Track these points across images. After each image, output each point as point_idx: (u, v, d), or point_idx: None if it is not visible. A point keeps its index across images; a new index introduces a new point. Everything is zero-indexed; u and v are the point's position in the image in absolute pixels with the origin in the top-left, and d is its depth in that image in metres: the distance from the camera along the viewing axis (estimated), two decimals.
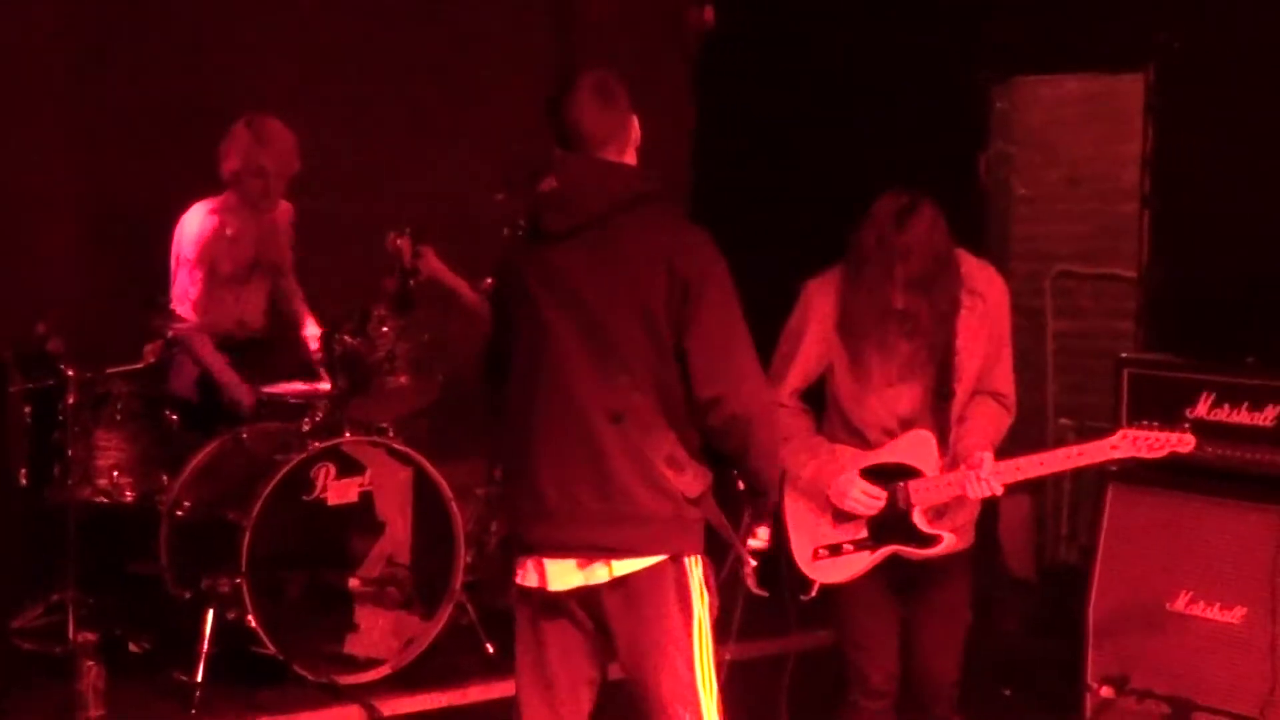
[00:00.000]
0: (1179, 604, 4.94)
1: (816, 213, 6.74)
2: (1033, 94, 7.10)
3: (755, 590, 4.04)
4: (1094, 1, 6.18)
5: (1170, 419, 4.62)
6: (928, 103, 6.61)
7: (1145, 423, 4.30)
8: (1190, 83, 5.90)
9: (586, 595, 3.70)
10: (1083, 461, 4.35)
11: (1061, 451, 4.39)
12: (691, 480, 3.65)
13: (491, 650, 5.54)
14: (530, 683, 3.82)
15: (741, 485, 3.79)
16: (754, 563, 3.83)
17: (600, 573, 3.66)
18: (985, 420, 4.42)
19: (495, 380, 3.85)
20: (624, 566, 3.65)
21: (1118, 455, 4.30)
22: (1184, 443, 4.25)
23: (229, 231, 5.95)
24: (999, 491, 4.30)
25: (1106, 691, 4.99)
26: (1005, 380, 4.48)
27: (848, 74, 6.92)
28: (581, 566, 3.67)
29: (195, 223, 5.94)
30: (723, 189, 7.30)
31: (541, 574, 3.71)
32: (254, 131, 5.91)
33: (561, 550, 3.68)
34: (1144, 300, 6.12)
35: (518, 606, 3.84)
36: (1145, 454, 4.27)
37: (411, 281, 5.61)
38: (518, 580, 3.78)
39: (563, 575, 3.68)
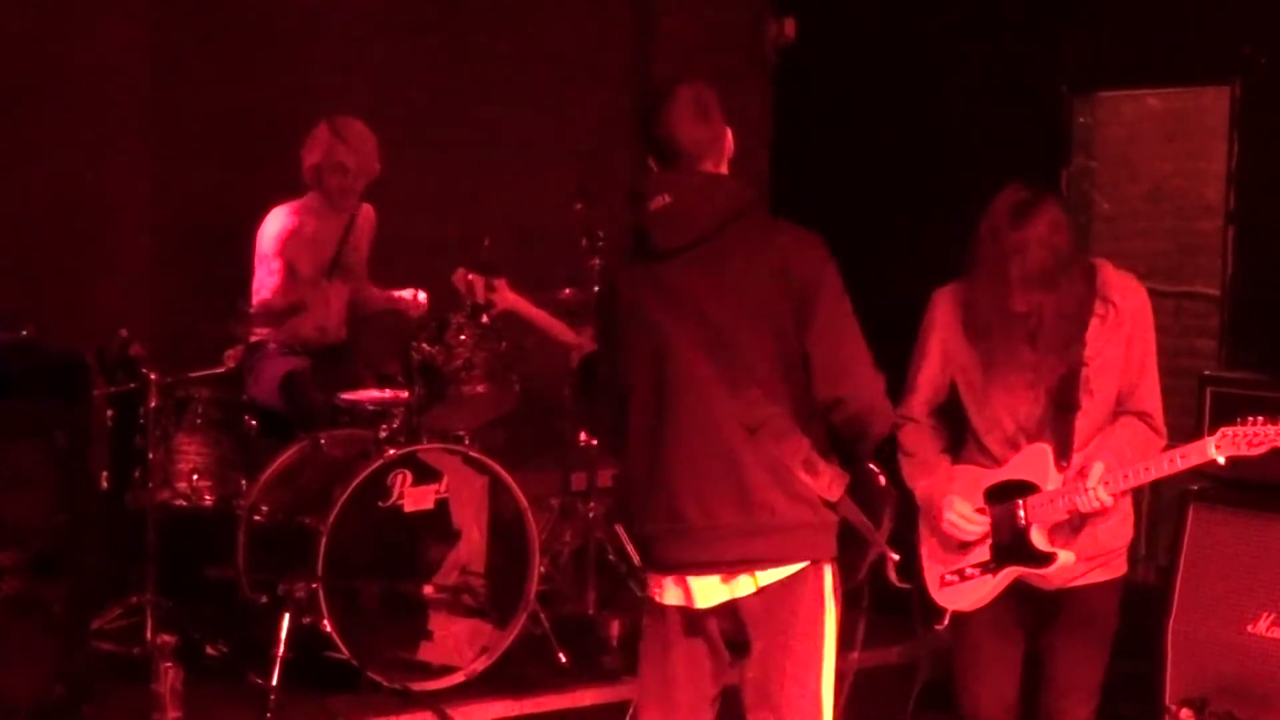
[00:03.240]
0: (1260, 627, 4.87)
1: (897, 225, 6.75)
2: (1115, 109, 7.04)
3: (898, 584, 3.96)
4: (1179, 15, 6.13)
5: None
6: (1009, 117, 6.58)
7: (1244, 419, 4.06)
8: (1277, 96, 5.83)
9: (727, 607, 3.69)
10: (1186, 464, 4.10)
11: (1164, 456, 4.12)
12: (829, 483, 3.64)
13: (564, 660, 5.55)
14: (653, 699, 3.81)
15: (883, 481, 3.77)
16: (896, 557, 3.79)
17: (745, 584, 3.65)
18: (1122, 437, 4.16)
19: (595, 397, 3.86)
20: (767, 576, 3.64)
21: (1220, 454, 4.04)
22: None
23: (309, 231, 6.02)
24: (1108, 502, 4.08)
25: (1185, 714, 4.93)
26: (1149, 400, 4.20)
27: (929, 87, 6.90)
28: (725, 580, 3.66)
29: (276, 222, 6.01)
30: (802, 201, 7.28)
31: (686, 592, 3.69)
32: (335, 129, 5.98)
33: (706, 568, 3.66)
34: (1227, 317, 6.05)
35: (647, 621, 3.82)
36: (1246, 450, 4.02)
37: (486, 318, 5.50)
38: (655, 598, 3.75)
39: (708, 592, 3.67)
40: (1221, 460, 4.06)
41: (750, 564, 3.64)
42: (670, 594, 3.73)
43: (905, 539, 4.17)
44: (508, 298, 5.67)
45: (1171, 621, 5.05)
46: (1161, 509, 6.65)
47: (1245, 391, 5.04)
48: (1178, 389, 6.28)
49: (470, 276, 5.57)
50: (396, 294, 6.33)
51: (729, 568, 3.65)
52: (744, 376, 3.61)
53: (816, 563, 3.68)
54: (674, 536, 3.68)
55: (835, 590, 3.73)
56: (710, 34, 7.53)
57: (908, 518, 4.39)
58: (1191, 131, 6.94)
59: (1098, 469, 4.07)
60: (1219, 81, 6.11)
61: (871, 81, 7.18)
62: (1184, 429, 5.35)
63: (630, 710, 3.90)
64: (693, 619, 3.73)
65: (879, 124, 7.09)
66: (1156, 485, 6.76)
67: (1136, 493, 6.88)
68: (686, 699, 3.78)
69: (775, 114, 7.68)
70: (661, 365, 3.66)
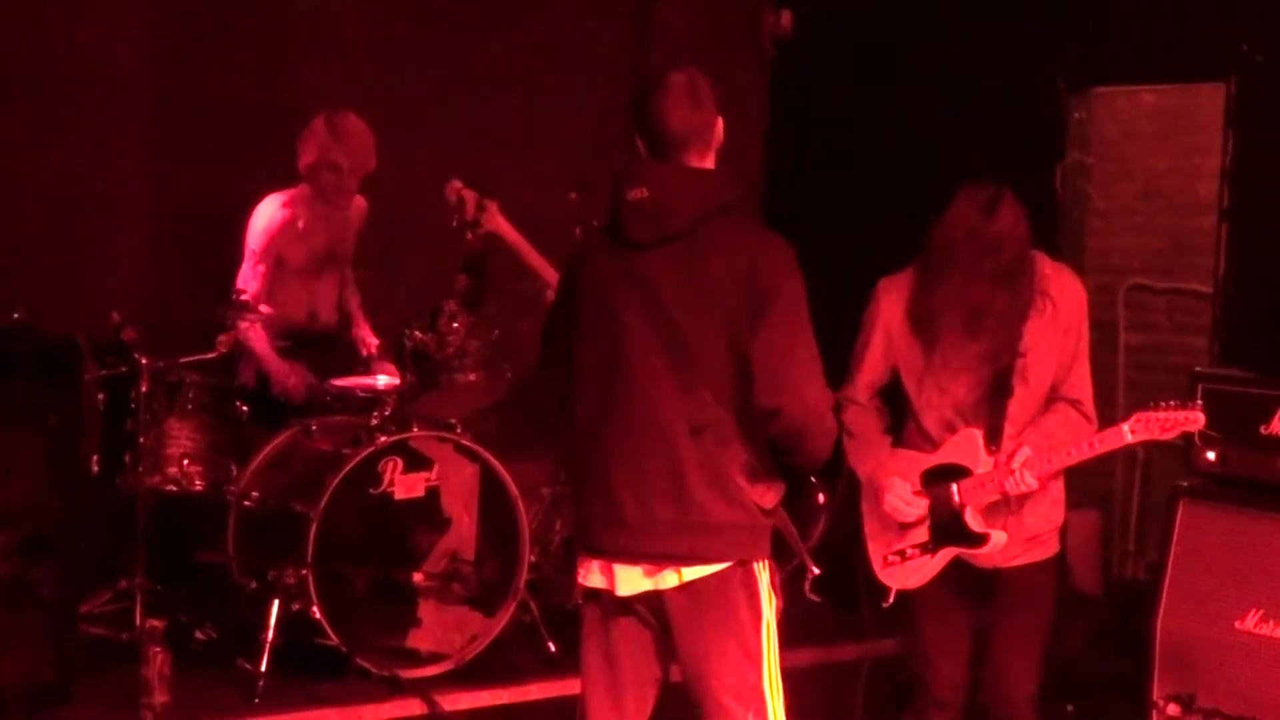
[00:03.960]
0: (1248, 623, 4.88)
1: (889, 218, 6.73)
2: (1110, 105, 7.05)
3: (810, 596, 4.01)
4: (1175, 13, 6.13)
5: (1244, 436, 4.68)
6: (1004, 112, 6.57)
7: (1157, 404, 4.22)
8: (1272, 94, 5.83)
9: (652, 598, 3.70)
10: (1103, 448, 4.27)
11: (1084, 440, 4.29)
12: (765, 491, 3.66)
13: (553, 649, 5.55)
14: (596, 680, 3.82)
15: (821, 498, 3.78)
16: (816, 571, 3.81)
17: (669, 578, 3.66)
18: (1054, 423, 4.34)
19: (547, 368, 3.86)
20: (693, 573, 3.65)
21: (1135, 439, 4.22)
22: (1192, 420, 4.18)
23: (300, 224, 6.00)
24: (1032, 485, 4.25)
25: (1173, 709, 4.94)
26: (1080, 388, 4.39)
27: (924, 81, 6.89)
28: (649, 574, 3.67)
29: (265, 214, 5.99)
30: (796, 193, 7.29)
31: (610, 578, 3.71)
32: (331, 127, 5.95)
33: (633, 558, 3.68)
34: (1219, 315, 6.06)
35: (584, 604, 3.84)
36: (1159, 435, 4.20)
37: (471, 235, 5.52)
38: (581, 580, 3.78)
39: (631, 581, 3.69)
40: (1132, 439, 4.22)
41: (677, 559, 3.65)
42: (594, 578, 3.75)
43: (837, 550, 4.24)
44: (496, 220, 5.65)
45: (1160, 617, 5.05)
46: (1151, 505, 6.67)
47: (1237, 388, 5.04)
48: (1170, 385, 6.30)
49: (464, 191, 5.61)
50: (364, 333, 6.33)
51: (655, 560, 3.66)
52: (696, 377, 3.62)
53: (746, 563, 3.68)
54: (607, 524, 3.69)
55: (773, 586, 3.73)
56: (707, 26, 7.52)
57: (851, 500, 4.56)
58: (1186, 128, 6.94)
59: (1023, 453, 4.26)
60: (1214, 78, 6.10)
61: (867, 75, 7.17)
62: None
63: (579, 703, 3.90)
64: (621, 604, 3.74)
65: (875, 117, 7.08)
66: (1147, 482, 6.85)
67: (1124, 489, 6.95)
68: (630, 679, 3.80)
69: (771, 106, 7.67)
70: (615, 353, 3.66)
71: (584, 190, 6.07)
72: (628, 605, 3.74)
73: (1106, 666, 5.79)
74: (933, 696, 4.54)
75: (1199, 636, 4.95)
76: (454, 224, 5.54)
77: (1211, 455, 4.92)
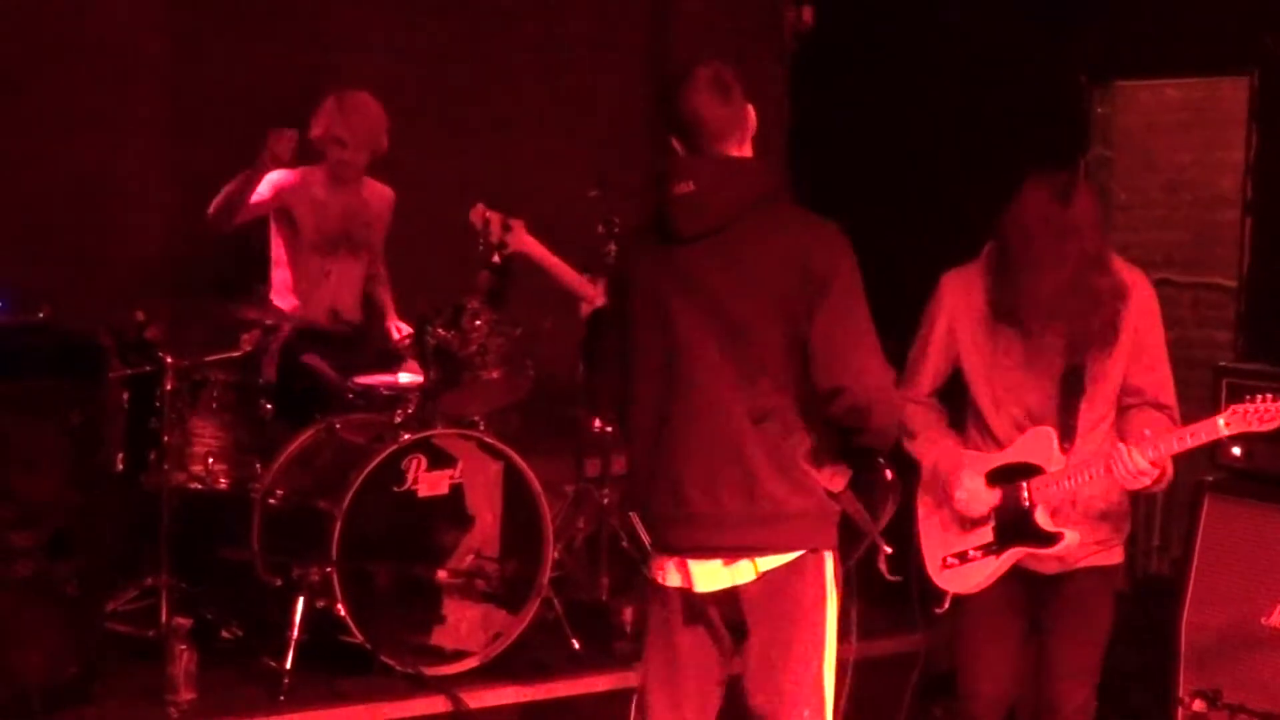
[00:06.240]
0: (1274, 618, 4.86)
1: (911, 212, 6.74)
2: (1133, 99, 7.02)
3: (889, 577, 3.97)
4: (1198, 5, 6.11)
5: (1270, 431, 4.60)
6: (1027, 105, 6.56)
7: (1251, 396, 4.08)
8: None
9: (727, 596, 3.70)
10: (1194, 442, 4.11)
11: (1175, 433, 4.14)
12: (832, 475, 3.66)
13: (577, 646, 5.56)
14: (659, 680, 3.81)
15: (890, 475, 3.76)
16: (889, 550, 3.79)
17: (745, 571, 3.66)
18: (1144, 420, 4.20)
19: (597, 361, 3.85)
20: (768, 563, 3.65)
21: (1230, 432, 4.08)
22: None
23: (313, 193, 6.06)
24: (1144, 467, 4.05)
25: (1199, 705, 4.92)
26: (1165, 390, 4.27)
27: (947, 74, 6.88)
28: (727, 565, 3.66)
29: (280, 173, 6.03)
30: (819, 187, 7.26)
31: (686, 575, 3.70)
32: (339, 103, 6.01)
33: (708, 552, 3.67)
34: (1244, 308, 6.03)
35: (651, 603, 3.83)
36: (1258, 426, 4.04)
37: (498, 257, 5.52)
38: (657, 579, 3.77)
39: (709, 576, 3.68)
40: (1227, 433, 4.08)
41: (752, 551, 3.65)
42: (672, 576, 3.74)
43: (904, 531, 4.18)
44: (523, 239, 5.64)
45: (1185, 612, 5.04)
46: (1176, 500, 6.63)
47: (1261, 383, 5.00)
48: (1194, 380, 6.27)
49: (488, 214, 5.59)
50: (392, 322, 6.36)
51: (731, 553, 3.66)
52: (754, 366, 3.61)
53: (816, 550, 3.69)
54: (679, 521, 3.69)
55: (836, 577, 3.73)
56: (728, 18, 7.52)
57: (906, 504, 4.43)
58: (1210, 122, 6.91)
59: (1122, 448, 4.08)
60: (1238, 72, 6.08)
61: (888, 69, 7.16)
62: (1200, 419, 5.34)
63: (635, 696, 3.89)
64: (694, 603, 3.74)
65: (897, 111, 7.07)
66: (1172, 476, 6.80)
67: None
68: (694, 682, 3.79)
69: (792, 100, 7.66)
70: (672, 349, 3.67)
71: (604, 184, 6.07)
72: (697, 606, 3.73)
73: (1131, 662, 5.76)
74: (972, 708, 4.46)
75: (1224, 632, 4.93)
76: (479, 247, 5.50)
77: (1237, 450, 4.90)
